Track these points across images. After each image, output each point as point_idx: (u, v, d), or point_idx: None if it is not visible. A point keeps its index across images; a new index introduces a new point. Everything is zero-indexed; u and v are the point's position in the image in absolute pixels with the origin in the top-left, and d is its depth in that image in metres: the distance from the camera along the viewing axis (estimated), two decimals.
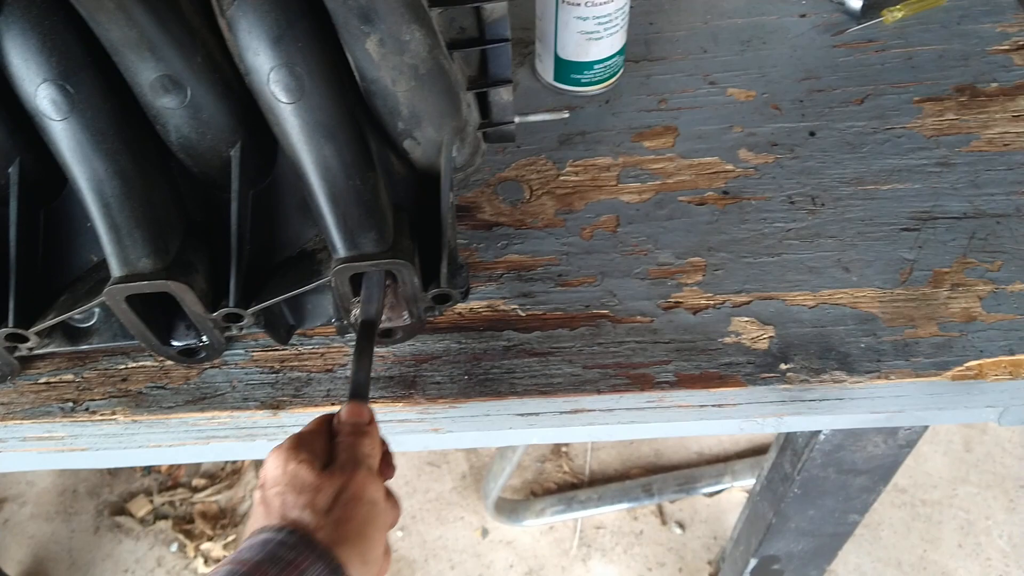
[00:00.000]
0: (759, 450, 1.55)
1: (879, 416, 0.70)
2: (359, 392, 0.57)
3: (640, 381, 0.66)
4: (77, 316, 0.61)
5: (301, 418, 0.66)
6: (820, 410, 0.68)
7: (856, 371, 0.66)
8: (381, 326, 0.63)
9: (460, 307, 0.70)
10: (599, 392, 0.66)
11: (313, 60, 0.56)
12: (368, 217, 0.59)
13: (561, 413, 0.68)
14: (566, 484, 1.54)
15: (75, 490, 1.51)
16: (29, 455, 0.68)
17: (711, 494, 1.51)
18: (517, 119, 0.68)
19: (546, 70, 0.83)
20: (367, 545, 0.50)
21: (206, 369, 0.67)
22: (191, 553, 1.45)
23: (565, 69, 0.82)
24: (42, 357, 0.67)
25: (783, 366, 0.66)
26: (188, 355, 0.65)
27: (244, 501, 1.51)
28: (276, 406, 0.66)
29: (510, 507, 1.48)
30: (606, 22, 0.77)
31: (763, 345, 0.67)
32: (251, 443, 0.69)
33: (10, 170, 0.57)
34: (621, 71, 0.84)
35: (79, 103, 0.54)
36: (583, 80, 0.82)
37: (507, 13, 0.63)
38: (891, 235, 0.73)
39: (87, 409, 0.66)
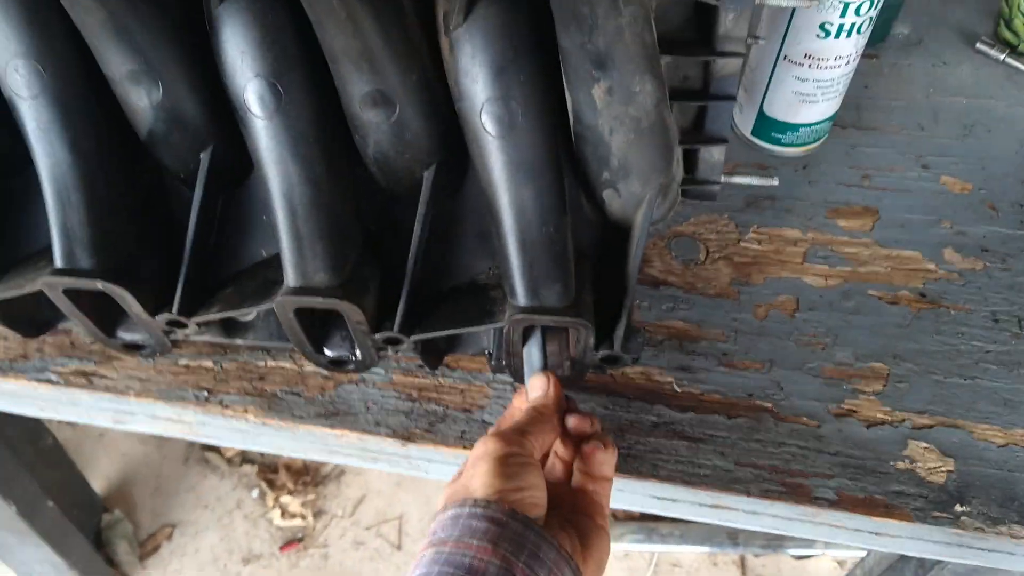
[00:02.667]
0: None
1: None
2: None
3: (796, 492, 0.61)
4: None
5: (430, 453, 0.64)
6: (982, 559, 0.62)
7: None
8: None
9: None
10: (748, 495, 0.61)
11: (531, 96, 0.52)
12: (555, 268, 0.55)
13: (701, 505, 0.63)
14: (649, 514, 1.49)
15: None
16: (156, 428, 0.68)
17: (800, 557, 1.44)
18: (723, 179, 0.63)
19: (745, 123, 0.78)
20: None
21: (343, 384, 0.65)
22: (270, 503, 1.46)
23: (767, 126, 0.76)
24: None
25: (959, 507, 0.60)
26: (337, 364, 0.63)
27: (327, 463, 1.51)
28: (407, 437, 0.63)
29: None
30: (827, 87, 0.71)
31: (939, 479, 0.61)
32: (372, 463, 0.67)
33: (202, 155, 0.55)
34: (826, 136, 0.78)
35: (286, 104, 0.51)
36: (784, 140, 0.76)
37: (739, 70, 0.58)
38: None
39: (220, 402, 0.64)
